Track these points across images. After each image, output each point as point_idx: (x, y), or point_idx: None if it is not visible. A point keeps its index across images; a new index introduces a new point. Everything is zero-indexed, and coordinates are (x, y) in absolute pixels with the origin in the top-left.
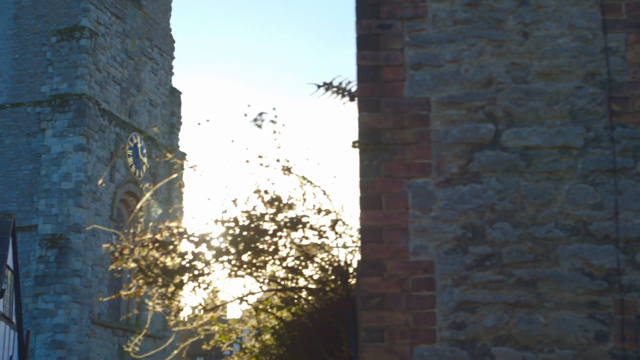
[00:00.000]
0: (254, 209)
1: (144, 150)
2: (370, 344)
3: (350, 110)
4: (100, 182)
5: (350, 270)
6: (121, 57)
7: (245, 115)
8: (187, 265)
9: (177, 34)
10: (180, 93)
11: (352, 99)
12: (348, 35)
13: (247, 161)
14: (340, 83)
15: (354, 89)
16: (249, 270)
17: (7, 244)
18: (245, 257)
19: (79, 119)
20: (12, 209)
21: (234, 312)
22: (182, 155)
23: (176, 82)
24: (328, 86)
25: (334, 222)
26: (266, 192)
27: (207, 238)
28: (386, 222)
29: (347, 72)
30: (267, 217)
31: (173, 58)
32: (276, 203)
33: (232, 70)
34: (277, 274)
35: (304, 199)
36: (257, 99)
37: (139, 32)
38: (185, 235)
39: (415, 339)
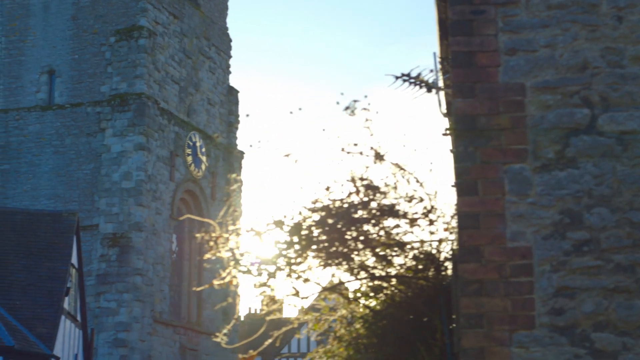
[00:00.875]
0: (348, 196)
1: (203, 149)
2: (470, 331)
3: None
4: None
5: (442, 257)
6: (179, 57)
7: (338, 103)
8: (280, 254)
9: (234, 32)
10: (237, 92)
11: (429, 90)
12: (397, 31)
13: (343, 149)
14: (419, 74)
15: (431, 79)
16: (339, 260)
17: (71, 243)
18: (336, 246)
19: (138, 118)
20: (73, 208)
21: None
22: (241, 154)
23: (233, 80)
24: (407, 77)
25: (428, 210)
26: (362, 179)
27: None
28: (483, 208)
29: (398, 68)
30: (359, 205)
31: (230, 57)
32: (370, 191)
33: (286, 68)
34: (367, 262)
35: (395, 187)
36: (312, 95)
37: (197, 32)
38: (279, 225)
39: (514, 325)
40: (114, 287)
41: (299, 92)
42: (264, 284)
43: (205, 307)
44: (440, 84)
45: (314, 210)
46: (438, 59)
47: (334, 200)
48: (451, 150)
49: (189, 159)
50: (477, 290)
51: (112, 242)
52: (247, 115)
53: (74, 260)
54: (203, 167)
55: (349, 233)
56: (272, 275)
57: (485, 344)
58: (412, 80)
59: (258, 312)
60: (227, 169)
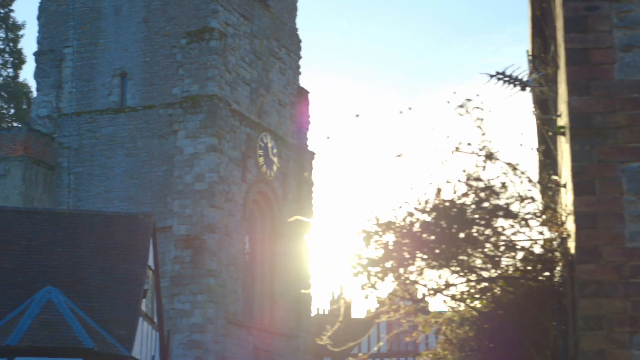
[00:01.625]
0: (459, 197)
1: (274, 150)
2: (589, 333)
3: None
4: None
5: (554, 258)
6: (250, 58)
7: (448, 102)
8: (391, 255)
9: (302, 33)
10: (307, 92)
11: (523, 88)
12: (460, 31)
13: (457, 149)
14: (512, 73)
15: (525, 77)
16: (446, 261)
17: (148, 245)
18: (443, 247)
19: (210, 120)
20: (146, 210)
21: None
22: (311, 155)
23: (303, 81)
24: (501, 76)
25: (542, 210)
26: (476, 179)
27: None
28: (600, 208)
29: (462, 67)
30: (472, 205)
31: (300, 58)
32: (484, 191)
33: (355, 69)
34: (474, 263)
35: (506, 187)
36: (375, 95)
37: (267, 33)
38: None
39: (634, 327)
40: (187, 289)
41: (362, 92)
42: (372, 286)
43: (278, 308)
44: (526, 81)
45: (423, 211)
46: (529, 57)
47: (446, 201)
48: (537, 149)
49: (261, 160)
50: (595, 291)
51: (185, 243)
52: (357, 116)
53: (151, 262)
54: (274, 168)
55: (459, 234)
56: (380, 277)
57: (604, 346)
58: (506, 79)
59: (326, 312)
60: (298, 169)
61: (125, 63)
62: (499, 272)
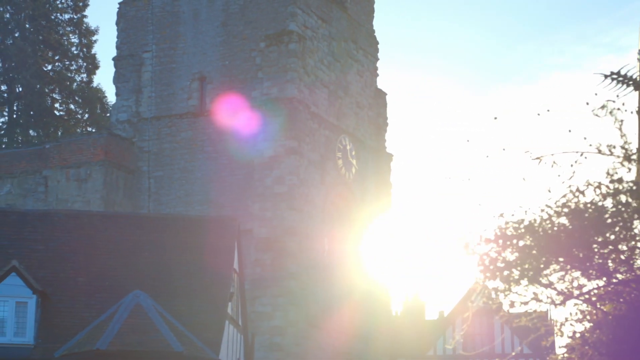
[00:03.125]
0: (603, 198)
1: (353, 152)
2: None
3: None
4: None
5: None
6: (328, 60)
7: (587, 104)
8: (527, 259)
9: (379, 33)
10: (385, 94)
11: (636, 88)
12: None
13: (600, 151)
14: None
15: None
16: (581, 264)
17: (233, 248)
18: (580, 250)
19: (290, 122)
20: (226, 213)
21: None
22: (389, 156)
23: (380, 82)
24: (616, 76)
25: None
26: (618, 180)
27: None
28: None
29: (528, 66)
30: (613, 208)
31: (377, 59)
32: (622, 193)
33: (428, 67)
34: (608, 265)
35: None
36: (449, 94)
37: (344, 35)
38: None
39: None
40: (268, 292)
41: (435, 89)
42: (508, 290)
43: (356, 310)
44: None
45: (560, 215)
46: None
47: (585, 204)
48: None
49: (340, 162)
50: None
51: (266, 246)
52: (495, 118)
53: (236, 265)
54: (353, 170)
55: (596, 237)
56: (516, 281)
57: None
58: (620, 79)
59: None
60: (376, 171)
61: (205, 67)
62: (633, 274)
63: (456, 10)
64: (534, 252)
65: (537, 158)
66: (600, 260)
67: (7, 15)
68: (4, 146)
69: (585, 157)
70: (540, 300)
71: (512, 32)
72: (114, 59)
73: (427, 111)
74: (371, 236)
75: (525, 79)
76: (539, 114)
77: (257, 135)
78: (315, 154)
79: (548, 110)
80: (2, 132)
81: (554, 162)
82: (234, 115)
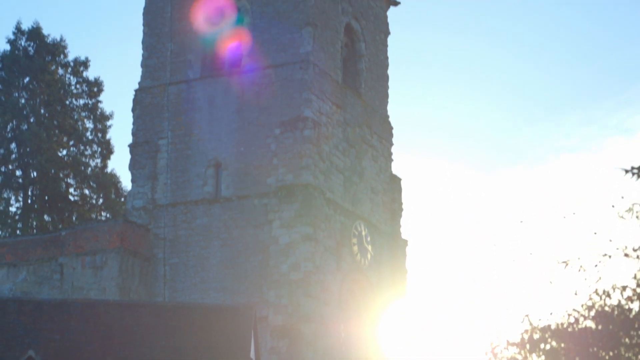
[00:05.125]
0: (629, 301)
1: (368, 238)
2: None
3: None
4: None
5: None
6: (343, 146)
7: (613, 206)
8: None
9: (394, 118)
10: (400, 179)
11: None
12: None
13: (625, 254)
14: None
15: None
16: None
17: (249, 337)
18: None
19: (305, 209)
20: (241, 300)
21: None
22: (404, 242)
23: (394, 167)
24: (637, 170)
25: None
26: None
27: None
28: None
29: (536, 148)
30: (637, 310)
31: (392, 144)
32: None
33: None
34: None
35: None
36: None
37: (359, 120)
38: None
39: None
40: None
41: (447, 173)
42: None
43: None
44: None
45: (587, 317)
46: None
47: (612, 306)
48: None
49: (355, 248)
50: None
51: (281, 334)
52: (521, 222)
53: (252, 354)
54: (369, 256)
55: (623, 339)
56: None
57: None
58: None
59: None
60: (391, 257)
61: (220, 153)
62: None
63: (467, 94)
64: (562, 356)
65: (564, 262)
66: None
67: (22, 101)
68: (18, 232)
69: (610, 257)
70: None
71: (520, 114)
72: (129, 145)
73: (441, 195)
74: (387, 322)
75: (535, 160)
76: (564, 217)
77: (272, 222)
78: (330, 240)
79: (574, 213)
80: (17, 217)
81: (581, 267)
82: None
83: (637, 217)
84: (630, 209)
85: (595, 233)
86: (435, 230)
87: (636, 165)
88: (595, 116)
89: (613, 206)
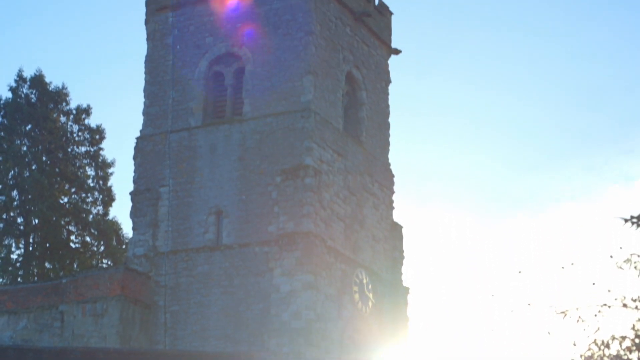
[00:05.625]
0: (628, 352)
1: (370, 286)
2: None
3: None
4: None
5: None
6: (344, 194)
7: (611, 257)
8: None
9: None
10: (401, 227)
11: None
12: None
13: (625, 305)
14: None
15: None
16: None
17: None
18: None
19: (306, 257)
20: (242, 348)
21: None
22: (406, 290)
23: (396, 215)
24: (636, 220)
25: None
26: None
27: None
28: None
29: (536, 196)
30: None
31: (393, 192)
32: None
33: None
34: None
35: None
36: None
37: (360, 168)
38: None
39: None
40: None
41: (448, 220)
42: None
43: None
44: None
45: None
46: None
47: (610, 356)
48: None
49: (356, 296)
50: None
51: None
52: (520, 272)
53: None
54: (370, 304)
55: None
56: None
57: None
58: None
59: None
60: (393, 305)
61: (221, 201)
62: None
63: (467, 141)
64: None
65: (562, 312)
66: None
67: (24, 148)
68: (19, 279)
69: (609, 307)
70: None
71: (521, 161)
72: (130, 193)
73: (442, 243)
74: None
75: (536, 207)
76: (563, 267)
77: (273, 270)
78: (331, 288)
79: (572, 264)
80: (18, 264)
81: (580, 317)
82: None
83: (635, 267)
84: (628, 260)
85: (593, 283)
86: (437, 278)
87: (635, 214)
88: (596, 164)
89: (611, 256)
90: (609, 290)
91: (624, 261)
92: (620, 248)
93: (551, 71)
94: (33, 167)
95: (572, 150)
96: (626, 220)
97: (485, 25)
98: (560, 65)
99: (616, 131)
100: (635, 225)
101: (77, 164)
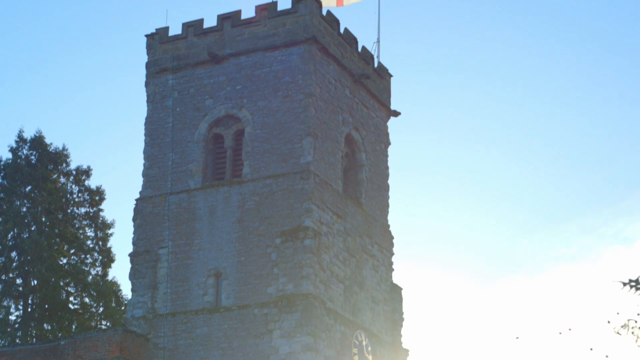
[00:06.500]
0: None
1: (369, 348)
2: None
3: None
4: None
5: None
6: (343, 256)
7: (609, 322)
8: None
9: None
10: (400, 289)
11: None
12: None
13: None
14: None
15: None
16: None
17: None
18: None
19: (305, 319)
20: None
21: None
22: (405, 352)
23: (395, 277)
24: (634, 283)
25: None
26: None
27: None
28: None
29: (540, 256)
30: None
31: (392, 254)
32: None
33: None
34: None
35: None
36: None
37: (360, 230)
38: None
39: None
40: None
41: (446, 282)
42: None
43: None
44: None
45: None
46: None
47: None
48: None
49: (356, 358)
50: None
51: None
52: (517, 338)
53: None
54: None
55: None
56: None
57: None
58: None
59: None
60: None
61: (220, 263)
62: None
63: (466, 203)
64: None
65: None
66: None
67: (24, 209)
68: (18, 340)
69: None
70: None
71: (519, 223)
72: (130, 255)
73: (441, 305)
74: None
75: (534, 270)
76: (560, 333)
77: (273, 332)
78: (331, 350)
79: (569, 329)
80: (17, 325)
81: None
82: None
83: (632, 332)
84: (625, 325)
85: (591, 349)
86: (436, 340)
87: (634, 278)
88: (594, 225)
89: (609, 322)
90: (607, 356)
91: (622, 326)
92: (618, 313)
93: (549, 133)
94: (32, 228)
95: (571, 212)
96: (624, 284)
97: (484, 88)
98: (558, 127)
99: (614, 193)
100: (634, 289)
101: (77, 225)
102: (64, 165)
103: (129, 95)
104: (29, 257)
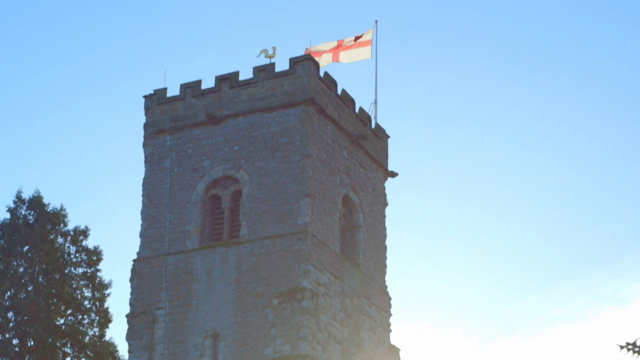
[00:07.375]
0: None
1: None
2: None
3: None
4: None
5: None
6: (341, 317)
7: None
8: None
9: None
10: (398, 350)
11: None
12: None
13: None
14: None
15: None
16: None
17: None
18: None
19: None
20: None
21: None
22: None
23: (393, 338)
24: (631, 346)
25: None
26: None
27: None
28: None
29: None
30: None
31: (390, 315)
32: None
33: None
34: None
35: None
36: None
37: (357, 291)
38: None
39: None
40: None
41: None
42: None
43: None
44: None
45: None
46: None
47: None
48: None
49: None
50: None
51: None
52: None
53: None
54: None
55: None
56: None
57: None
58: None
59: None
60: None
61: (217, 324)
62: None
63: (463, 265)
64: None
65: None
66: None
67: (21, 269)
68: None
69: None
70: None
71: (515, 284)
72: (127, 315)
73: None
74: None
75: (531, 330)
76: None
77: None
78: None
79: None
80: None
81: None
82: None
83: None
84: None
85: None
86: None
87: (631, 341)
88: (590, 286)
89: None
90: None
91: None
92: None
93: (545, 193)
94: (29, 288)
95: (567, 272)
96: (622, 347)
97: (480, 151)
98: (554, 188)
99: (609, 253)
100: (631, 352)
101: (74, 285)
102: (62, 225)
103: (126, 156)
104: (25, 318)
